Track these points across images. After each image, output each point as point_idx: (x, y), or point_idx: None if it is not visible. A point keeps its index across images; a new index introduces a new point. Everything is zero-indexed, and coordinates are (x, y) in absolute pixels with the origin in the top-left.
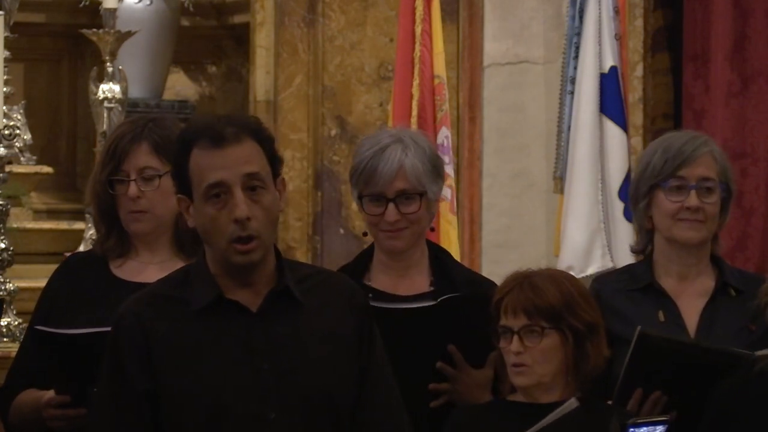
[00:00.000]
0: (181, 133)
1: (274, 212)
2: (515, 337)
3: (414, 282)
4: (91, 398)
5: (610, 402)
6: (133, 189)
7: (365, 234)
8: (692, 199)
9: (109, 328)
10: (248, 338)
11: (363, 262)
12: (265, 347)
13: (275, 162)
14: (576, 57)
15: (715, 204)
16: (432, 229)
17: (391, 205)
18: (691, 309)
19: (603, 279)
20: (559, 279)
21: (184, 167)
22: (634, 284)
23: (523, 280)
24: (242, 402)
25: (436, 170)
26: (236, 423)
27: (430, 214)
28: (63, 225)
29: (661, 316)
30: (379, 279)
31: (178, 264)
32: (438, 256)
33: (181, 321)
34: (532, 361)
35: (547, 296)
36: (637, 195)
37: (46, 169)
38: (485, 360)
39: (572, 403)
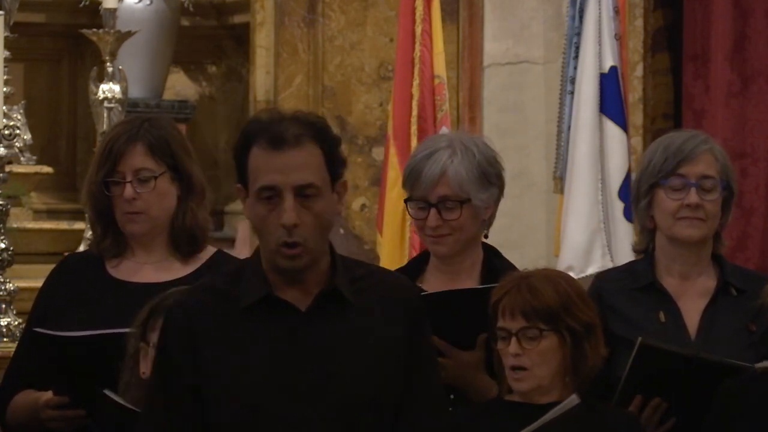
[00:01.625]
0: (245, 127)
1: (327, 218)
2: (513, 340)
3: (463, 287)
4: (90, 399)
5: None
6: (128, 190)
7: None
8: (692, 197)
9: (108, 330)
10: (294, 337)
11: (419, 264)
12: (310, 347)
13: (336, 165)
14: (576, 57)
15: (716, 202)
16: (486, 237)
17: (432, 211)
18: (692, 309)
19: (604, 277)
20: (556, 280)
21: (243, 161)
22: (635, 283)
23: (520, 282)
24: (282, 401)
25: (485, 177)
26: (275, 422)
27: (478, 222)
28: (63, 225)
29: (661, 316)
30: (431, 282)
31: (174, 264)
32: (492, 260)
33: (228, 317)
34: (531, 363)
35: (544, 298)
36: (639, 194)
37: (46, 169)
38: (475, 342)
39: (573, 399)
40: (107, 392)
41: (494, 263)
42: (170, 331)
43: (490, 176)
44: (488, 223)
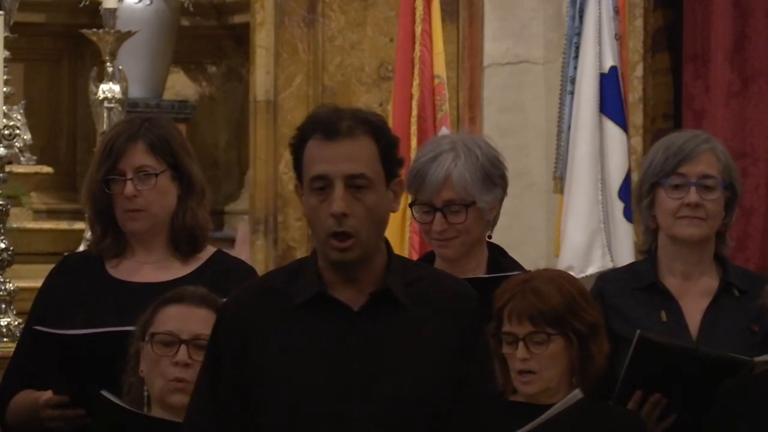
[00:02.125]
0: (302, 123)
1: (379, 213)
2: (521, 344)
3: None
4: (90, 398)
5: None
6: (129, 188)
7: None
8: (692, 196)
9: (108, 329)
10: (344, 337)
11: None
12: (358, 347)
13: (392, 162)
14: (576, 57)
15: (716, 201)
16: (490, 237)
17: (438, 215)
18: (694, 309)
19: (606, 277)
20: (560, 281)
21: (299, 155)
22: (637, 283)
23: (524, 285)
24: (326, 400)
25: (489, 178)
26: (318, 420)
27: (483, 223)
28: (63, 225)
29: (663, 315)
30: None
31: (175, 264)
32: (497, 258)
33: (281, 315)
34: (540, 367)
35: (550, 301)
36: (641, 194)
37: (46, 169)
38: None
39: (576, 394)
40: (104, 393)
41: (500, 262)
42: (221, 327)
43: (494, 177)
44: (492, 223)
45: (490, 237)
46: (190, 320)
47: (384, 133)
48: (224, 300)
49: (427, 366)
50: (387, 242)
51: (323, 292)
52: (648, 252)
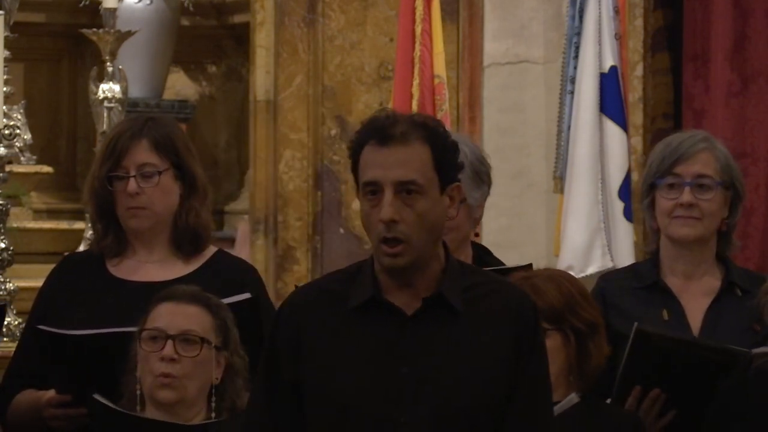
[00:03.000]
0: (358, 130)
1: (431, 218)
2: None
3: None
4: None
5: (608, 400)
6: (132, 185)
7: None
8: (685, 196)
9: (110, 329)
10: (395, 341)
11: None
12: (409, 351)
13: (447, 167)
14: (576, 57)
15: (713, 201)
16: (476, 234)
17: None
18: (696, 308)
19: (608, 277)
20: (559, 279)
21: (356, 160)
22: (639, 282)
23: (523, 283)
24: (374, 402)
25: (478, 176)
26: (365, 423)
27: (472, 220)
28: (63, 225)
29: (665, 314)
30: None
31: (177, 263)
32: (482, 257)
33: (335, 317)
34: None
35: (548, 297)
36: (642, 194)
37: (46, 169)
38: None
39: (573, 398)
40: (96, 396)
41: (486, 261)
42: (279, 327)
43: (482, 175)
44: (478, 221)
45: (477, 235)
46: (178, 316)
47: (439, 138)
48: (281, 304)
49: (479, 373)
50: (446, 247)
51: (377, 296)
52: (653, 253)
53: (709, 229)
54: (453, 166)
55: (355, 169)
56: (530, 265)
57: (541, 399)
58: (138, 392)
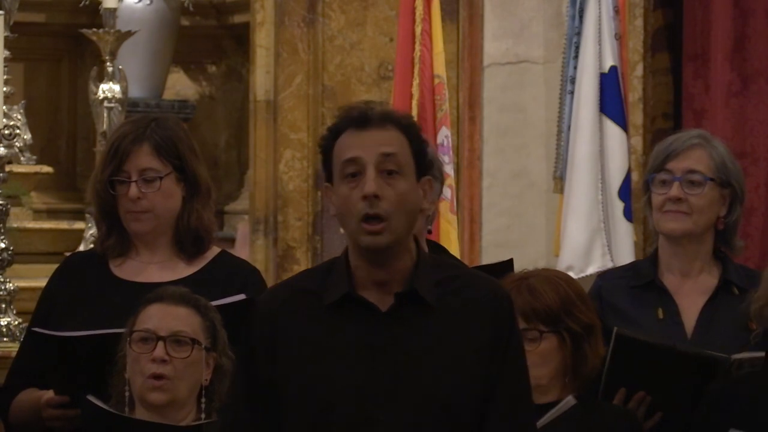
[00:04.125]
0: (332, 123)
1: (410, 202)
2: None
3: None
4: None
5: None
6: (133, 190)
7: None
8: (674, 190)
9: (106, 330)
10: (371, 337)
11: None
12: (385, 348)
13: (422, 160)
14: (576, 57)
15: (702, 197)
16: (429, 232)
17: None
18: (691, 306)
19: (607, 275)
20: (556, 281)
21: (329, 154)
22: (636, 281)
23: (520, 283)
24: (352, 400)
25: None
26: (344, 421)
27: (424, 217)
28: (63, 225)
29: (660, 313)
30: None
31: (179, 264)
32: (439, 255)
33: (310, 314)
34: (531, 365)
35: (544, 299)
36: (642, 192)
37: (46, 169)
38: None
39: (569, 401)
40: (90, 398)
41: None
42: (255, 325)
43: (434, 172)
44: (431, 219)
45: (430, 232)
46: (168, 317)
47: (414, 131)
48: (259, 298)
49: (455, 366)
50: (416, 241)
51: (352, 293)
52: (653, 251)
53: (699, 225)
54: (426, 159)
55: (327, 161)
56: (511, 261)
57: (521, 395)
58: (127, 393)
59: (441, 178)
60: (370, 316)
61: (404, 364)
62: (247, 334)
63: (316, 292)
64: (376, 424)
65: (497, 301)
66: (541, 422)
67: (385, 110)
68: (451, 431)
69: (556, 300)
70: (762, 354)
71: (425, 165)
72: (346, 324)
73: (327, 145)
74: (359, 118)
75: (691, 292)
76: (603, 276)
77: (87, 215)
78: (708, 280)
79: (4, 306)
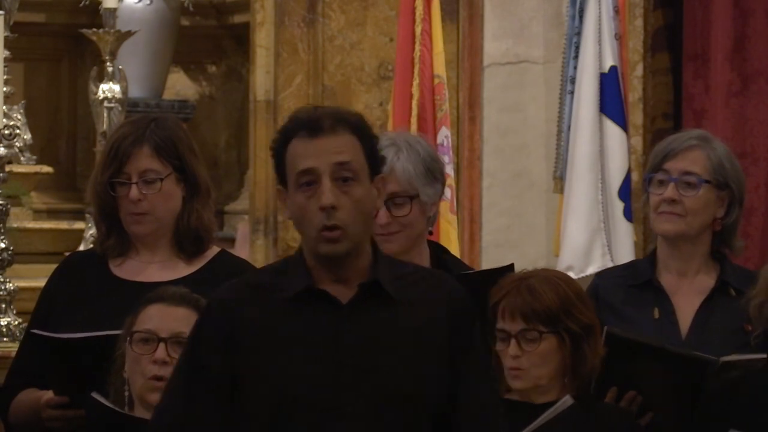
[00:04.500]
0: (283, 125)
1: (366, 207)
2: (513, 341)
3: None
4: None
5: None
6: (134, 192)
7: None
8: (669, 191)
9: (103, 332)
10: (334, 330)
11: None
12: (349, 340)
13: (374, 160)
14: (576, 57)
15: (697, 198)
16: (430, 233)
17: (382, 208)
18: (687, 307)
19: (605, 274)
20: (556, 281)
21: (281, 158)
22: (634, 280)
23: (519, 283)
24: (318, 393)
25: (431, 173)
26: (311, 414)
27: (425, 217)
28: (63, 225)
29: (656, 313)
30: None
31: (179, 264)
32: (440, 256)
33: (269, 308)
34: (530, 365)
35: (544, 300)
36: (642, 191)
37: (46, 169)
38: None
39: (567, 400)
40: (95, 395)
41: (444, 259)
42: (206, 323)
43: (435, 172)
44: (433, 220)
45: (431, 233)
46: (169, 318)
47: (365, 131)
48: (209, 298)
49: (418, 357)
50: (373, 240)
51: (312, 287)
52: (652, 250)
53: (693, 227)
54: (379, 158)
55: (279, 165)
56: (512, 266)
57: (484, 390)
58: (126, 393)
59: (442, 180)
60: (332, 309)
61: (369, 356)
62: (197, 330)
63: (272, 288)
64: (342, 416)
65: (457, 298)
66: (538, 422)
67: (335, 113)
68: (414, 421)
69: (555, 300)
70: (755, 356)
71: (378, 164)
72: (309, 317)
73: (278, 150)
74: (310, 124)
75: (688, 293)
76: (600, 275)
77: (87, 215)
78: (705, 281)
79: (4, 306)
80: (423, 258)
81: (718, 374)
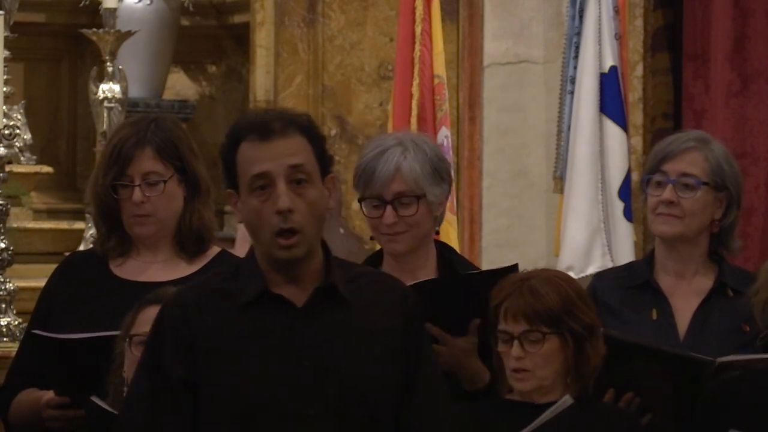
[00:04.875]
0: (231, 128)
1: (320, 208)
2: (516, 343)
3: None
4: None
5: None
6: (137, 194)
7: (372, 238)
8: (667, 193)
9: (103, 333)
10: (291, 333)
11: (372, 264)
12: (307, 343)
13: (324, 160)
14: (576, 57)
15: (695, 200)
16: (437, 233)
17: (389, 208)
18: (685, 308)
19: (603, 275)
20: (557, 281)
21: (232, 162)
22: (632, 281)
23: (521, 284)
24: (280, 397)
25: (438, 173)
26: (273, 418)
27: (432, 217)
28: (63, 225)
29: (654, 314)
30: None
31: (180, 264)
32: (445, 255)
33: (226, 313)
34: (533, 366)
35: (546, 301)
36: (641, 192)
37: (46, 169)
38: (467, 329)
39: (567, 400)
40: (94, 399)
41: (450, 258)
42: (163, 327)
43: (442, 172)
44: (439, 220)
45: (437, 233)
46: None
47: (313, 132)
48: (162, 304)
49: (374, 358)
50: (323, 240)
51: (266, 290)
52: (650, 251)
53: (691, 228)
54: (328, 157)
55: (229, 169)
56: (516, 266)
57: (434, 376)
58: (125, 393)
59: (449, 180)
60: (287, 313)
61: (328, 359)
62: (154, 335)
63: (227, 292)
64: (305, 419)
65: (407, 299)
66: (538, 422)
67: (284, 115)
68: (372, 420)
69: (557, 301)
70: (754, 356)
71: (327, 164)
72: (265, 321)
73: (228, 153)
74: (260, 128)
75: (686, 294)
76: (598, 276)
77: (87, 215)
78: (703, 282)
79: (4, 306)
80: (430, 258)
81: (716, 375)
